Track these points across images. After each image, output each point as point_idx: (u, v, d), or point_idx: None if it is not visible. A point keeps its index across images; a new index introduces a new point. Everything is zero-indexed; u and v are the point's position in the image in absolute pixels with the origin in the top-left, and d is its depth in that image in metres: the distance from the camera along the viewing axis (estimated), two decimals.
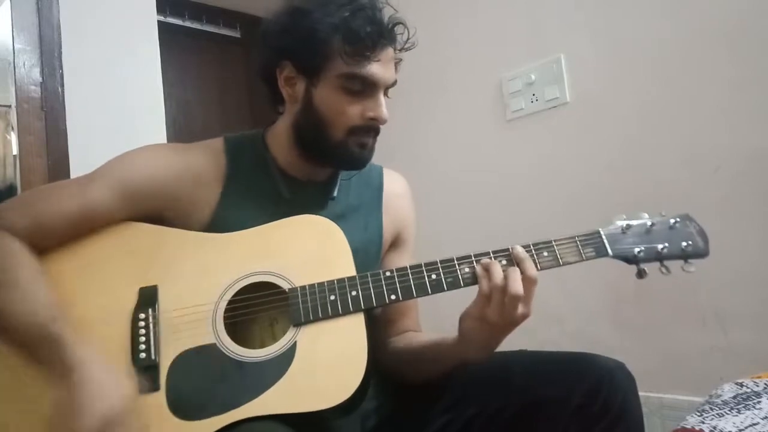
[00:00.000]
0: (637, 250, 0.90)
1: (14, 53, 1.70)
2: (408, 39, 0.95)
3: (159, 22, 1.99)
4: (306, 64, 0.92)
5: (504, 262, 0.86)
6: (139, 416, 0.74)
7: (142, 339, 0.82)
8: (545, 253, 0.87)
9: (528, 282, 0.84)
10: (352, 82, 0.91)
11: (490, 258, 0.87)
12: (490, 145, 2.03)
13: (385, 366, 1.02)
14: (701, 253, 0.91)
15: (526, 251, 0.87)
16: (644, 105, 1.64)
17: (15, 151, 1.70)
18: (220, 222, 0.93)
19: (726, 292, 1.47)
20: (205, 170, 0.95)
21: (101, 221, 0.90)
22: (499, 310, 0.83)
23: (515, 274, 0.83)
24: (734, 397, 0.89)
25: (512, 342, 0.90)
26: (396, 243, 1.09)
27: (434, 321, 1.13)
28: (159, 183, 0.92)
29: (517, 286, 0.82)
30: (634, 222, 0.92)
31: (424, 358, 0.97)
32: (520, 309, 0.83)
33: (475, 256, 0.87)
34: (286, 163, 0.99)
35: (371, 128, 0.94)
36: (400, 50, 0.95)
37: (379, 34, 0.90)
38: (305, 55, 0.91)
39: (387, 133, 0.98)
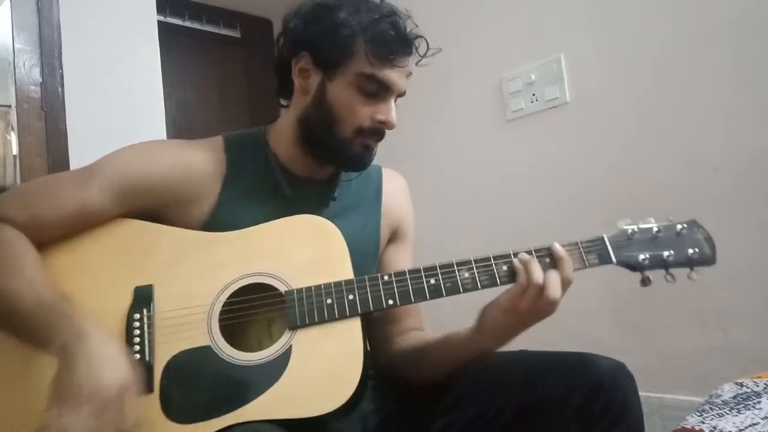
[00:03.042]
0: (641, 257, 0.86)
1: (14, 53, 1.70)
2: (426, 53, 0.97)
3: (159, 22, 1.99)
4: (326, 57, 0.93)
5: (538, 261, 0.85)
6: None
7: (137, 339, 0.81)
8: (547, 260, 0.86)
9: (565, 284, 0.85)
10: (369, 83, 0.92)
11: (492, 262, 0.86)
12: (490, 145, 2.03)
13: (390, 366, 1.01)
14: (708, 261, 0.87)
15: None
16: (644, 105, 1.64)
17: (15, 151, 1.70)
18: (219, 219, 0.93)
19: (726, 292, 1.47)
20: (204, 167, 0.95)
21: (99, 217, 0.89)
22: (533, 304, 0.84)
23: (555, 277, 0.83)
24: (734, 397, 0.89)
25: (512, 342, 0.90)
26: (394, 237, 1.09)
27: (434, 321, 1.13)
28: (156, 179, 0.92)
29: (556, 290, 0.83)
30: (639, 228, 0.88)
31: (434, 354, 0.96)
32: (551, 307, 0.85)
33: (475, 261, 0.86)
34: (287, 161, 0.99)
35: (378, 131, 0.95)
36: (416, 63, 0.97)
37: (403, 42, 0.93)
38: (327, 48, 0.92)
39: (387, 132, 0.98)
